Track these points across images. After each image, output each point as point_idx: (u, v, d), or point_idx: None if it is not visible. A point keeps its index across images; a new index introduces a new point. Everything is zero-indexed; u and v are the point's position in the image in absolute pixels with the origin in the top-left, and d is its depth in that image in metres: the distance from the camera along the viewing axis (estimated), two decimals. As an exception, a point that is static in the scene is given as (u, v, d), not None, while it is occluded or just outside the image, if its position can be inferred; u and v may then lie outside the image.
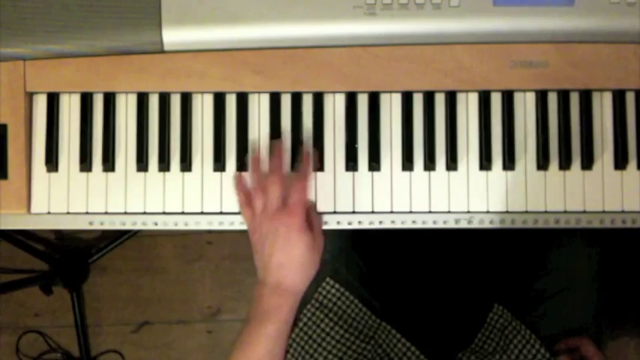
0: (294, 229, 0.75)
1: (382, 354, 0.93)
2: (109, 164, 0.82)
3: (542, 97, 0.82)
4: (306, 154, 0.81)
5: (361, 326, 0.94)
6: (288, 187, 0.77)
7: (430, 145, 0.82)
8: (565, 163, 0.81)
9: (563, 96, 0.82)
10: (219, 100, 0.83)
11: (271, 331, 0.74)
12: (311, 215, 0.79)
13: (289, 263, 0.76)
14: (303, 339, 0.94)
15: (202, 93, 0.83)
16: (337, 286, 0.95)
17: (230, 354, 0.74)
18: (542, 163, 0.81)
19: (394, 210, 0.82)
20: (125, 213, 0.83)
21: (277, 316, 0.75)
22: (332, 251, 0.95)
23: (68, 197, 0.83)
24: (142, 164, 0.82)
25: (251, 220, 0.79)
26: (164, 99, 0.83)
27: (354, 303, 0.95)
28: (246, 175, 0.82)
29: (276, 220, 0.76)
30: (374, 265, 0.98)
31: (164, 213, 0.82)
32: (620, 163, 0.81)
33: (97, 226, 0.83)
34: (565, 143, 0.81)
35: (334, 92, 0.83)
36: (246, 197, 0.80)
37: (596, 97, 0.82)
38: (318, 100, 0.82)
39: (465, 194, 0.81)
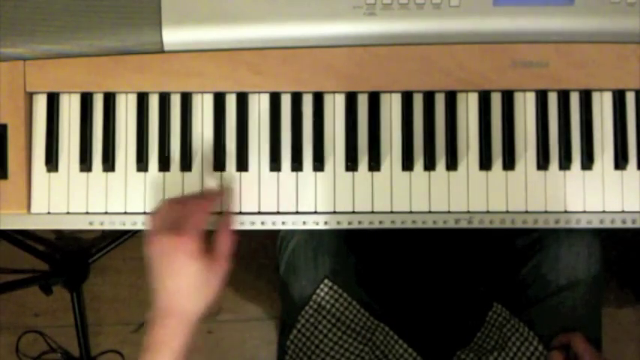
0: (183, 255, 0.71)
1: (380, 355, 0.93)
2: (108, 164, 0.82)
3: (542, 97, 0.82)
4: (221, 191, 0.81)
5: (359, 328, 0.94)
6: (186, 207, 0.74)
7: (430, 145, 0.82)
8: (565, 163, 0.81)
9: (563, 96, 0.82)
10: (219, 100, 0.83)
11: (167, 356, 0.71)
12: (219, 237, 0.76)
13: (177, 291, 0.72)
14: (300, 340, 0.94)
15: (202, 93, 0.83)
16: (335, 287, 0.95)
17: None
18: (542, 163, 0.81)
19: (394, 210, 0.82)
20: (125, 213, 0.83)
21: (168, 346, 0.71)
22: (330, 252, 0.95)
23: (68, 197, 0.83)
24: (141, 164, 0.82)
25: (148, 242, 0.74)
26: (164, 99, 0.83)
27: (352, 304, 0.95)
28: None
29: (168, 243, 0.71)
30: (372, 266, 0.98)
31: (164, 213, 0.82)
32: (620, 163, 0.81)
33: (97, 226, 0.83)
34: (565, 143, 0.81)
35: (334, 92, 0.83)
36: (160, 207, 0.76)
37: (596, 97, 0.82)
38: (318, 100, 0.82)
39: (464, 194, 0.81)
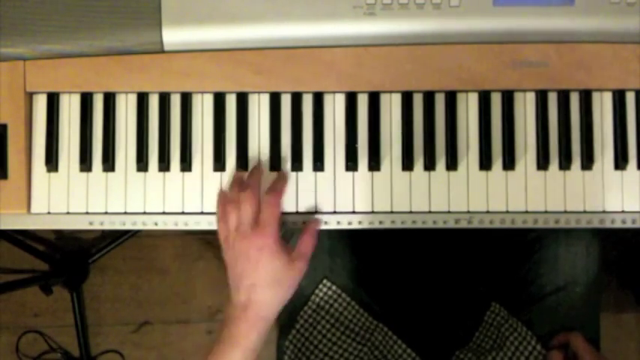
0: (266, 249, 0.73)
1: (379, 355, 0.93)
2: (108, 164, 0.82)
3: (542, 97, 0.82)
4: (282, 173, 0.80)
5: (358, 328, 0.94)
6: (262, 203, 0.75)
7: (430, 145, 0.82)
8: (565, 163, 0.81)
9: (563, 96, 0.82)
10: (219, 100, 0.83)
11: (236, 357, 0.72)
12: (303, 239, 0.77)
13: (260, 285, 0.73)
14: (300, 341, 0.94)
15: (202, 93, 0.83)
16: (334, 287, 0.95)
17: None
18: (542, 163, 0.81)
19: (394, 210, 0.82)
20: (125, 213, 0.83)
21: (244, 344, 0.73)
22: (330, 252, 0.95)
23: (68, 197, 0.83)
24: (142, 164, 0.82)
25: (225, 238, 0.76)
26: (164, 99, 0.83)
27: (351, 305, 0.95)
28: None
29: (247, 241, 0.73)
30: (371, 266, 0.98)
31: (164, 213, 0.82)
32: (620, 163, 0.81)
33: (97, 226, 0.83)
34: (565, 143, 0.81)
35: (334, 92, 0.83)
36: (223, 213, 0.77)
37: (596, 97, 0.82)
38: (318, 100, 0.82)
39: (464, 194, 0.81)
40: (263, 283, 0.73)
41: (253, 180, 0.78)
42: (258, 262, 0.73)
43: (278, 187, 0.78)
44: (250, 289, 0.73)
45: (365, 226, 0.82)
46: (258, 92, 0.83)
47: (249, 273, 0.73)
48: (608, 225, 0.81)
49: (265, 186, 0.80)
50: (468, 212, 0.81)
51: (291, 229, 0.82)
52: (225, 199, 0.77)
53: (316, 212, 0.82)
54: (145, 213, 0.83)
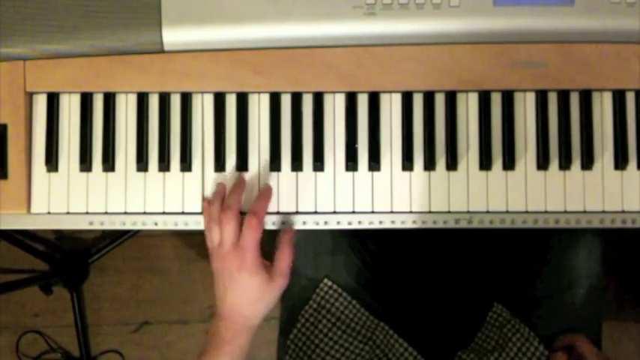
0: (245, 269, 0.76)
1: (380, 354, 0.93)
2: (108, 164, 0.82)
3: (542, 97, 0.82)
4: (263, 191, 0.81)
5: (359, 327, 0.94)
6: (243, 225, 0.77)
7: (430, 145, 0.82)
8: (565, 163, 0.81)
9: (563, 96, 0.82)
10: (219, 100, 0.83)
11: (229, 352, 0.77)
12: (280, 254, 0.79)
13: (241, 301, 0.78)
14: (301, 340, 0.94)
15: (202, 93, 0.83)
16: (335, 286, 0.95)
17: None
18: (542, 163, 0.81)
19: (394, 210, 0.82)
20: (125, 213, 0.83)
21: (230, 348, 0.77)
22: (331, 252, 0.95)
23: (68, 197, 0.83)
24: (142, 164, 0.82)
25: (210, 249, 0.79)
26: (164, 99, 0.83)
27: (352, 304, 0.95)
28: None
29: (228, 261, 0.77)
30: (372, 265, 0.98)
31: (164, 213, 0.82)
32: (620, 163, 0.81)
33: (97, 226, 0.83)
34: (565, 143, 0.81)
35: (334, 92, 0.83)
36: (208, 224, 0.80)
37: (596, 97, 0.82)
38: (318, 100, 0.82)
39: (465, 194, 0.81)
40: (243, 300, 0.78)
41: (234, 199, 0.79)
42: (238, 281, 0.77)
43: (260, 208, 0.79)
44: (232, 305, 0.78)
45: (365, 226, 0.82)
46: (258, 92, 0.83)
47: (230, 290, 0.77)
48: (608, 225, 0.81)
49: (254, 190, 0.81)
50: (468, 212, 0.81)
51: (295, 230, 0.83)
52: (208, 216, 0.80)
53: (316, 212, 0.82)
54: (145, 213, 0.83)
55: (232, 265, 0.76)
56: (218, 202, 0.79)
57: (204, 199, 0.82)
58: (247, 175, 0.82)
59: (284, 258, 0.80)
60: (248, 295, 0.77)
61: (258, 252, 0.77)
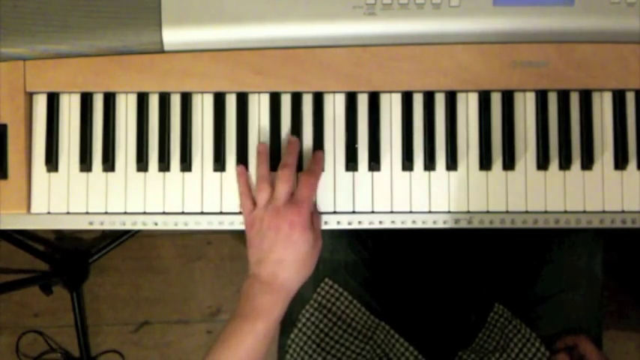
0: (299, 226, 0.74)
1: (381, 354, 0.93)
2: (108, 164, 0.82)
3: (542, 97, 0.82)
4: (318, 153, 0.81)
5: (360, 326, 0.94)
6: (299, 182, 0.77)
7: (430, 145, 0.82)
8: (565, 163, 0.81)
9: (563, 96, 0.82)
10: (219, 100, 0.83)
11: (260, 329, 0.73)
12: (313, 215, 0.79)
13: (288, 260, 0.75)
14: (302, 339, 0.94)
15: (202, 93, 0.83)
16: (336, 286, 0.95)
17: (213, 347, 0.72)
18: (542, 163, 0.81)
19: (394, 210, 0.82)
20: (125, 213, 0.83)
21: (268, 315, 0.73)
22: (331, 251, 0.95)
23: (68, 197, 0.83)
24: (142, 164, 0.82)
25: (250, 213, 0.78)
26: (164, 99, 0.83)
27: (353, 303, 0.95)
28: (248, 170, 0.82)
29: (280, 216, 0.75)
30: (373, 265, 0.98)
31: (164, 213, 0.82)
32: (620, 163, 0.81)
33: (97, 226, 0.83)
34: (565, 143, 0.81)
35: (334, 92, 0.83)
36: (246, 187, 0.80)
37: (596, 97, 0.82)
38: (318, 100, 0.82)
39: (465, 194, 0.81)
40: (291, 258, 0.75)
41: (291, 158, 0.79)
42: (288, 238, 0.74)
43: (315, 168, 0.79)
44: (277, 263, 0.75)
45: (365, 226, 0.82)
46: (258, 92, 0.83)
47: (278, 248, 0.75)
48: (608, 225, 0.81)
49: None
50: (468, 212, 0.81)
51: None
52: (249, 177, 0.80)
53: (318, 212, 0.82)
54: (145, 213, 0.83)
55: (285, 221, 0.74)
56: (266, 163, 0.79)
57: (238, 167, 0.81)
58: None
59: (317, 219, 0.79)
60: (297, 253, 0.75)
61: (311, 210, 0.76)
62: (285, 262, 0.75)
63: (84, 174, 0.83)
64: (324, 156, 0.82)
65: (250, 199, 0.79)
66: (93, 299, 1.57)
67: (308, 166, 0.81)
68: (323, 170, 0.82)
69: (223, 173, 0.83)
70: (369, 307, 0.95)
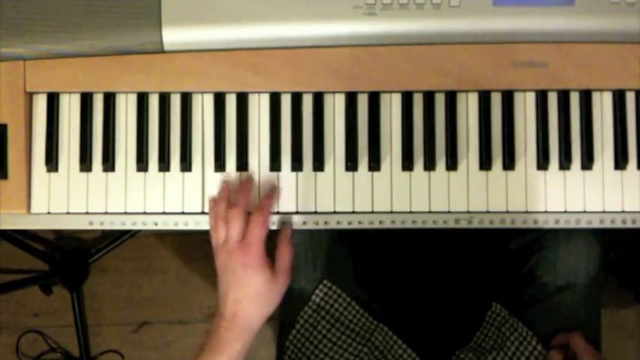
0: (250, 267, 0.76)
1: (379, 356, 0.93)
2: (109, 164, 0.82)
3: (542, 97, 0.82)
4: (271, 189, 0.82)
5: (358, 328, 0.94)
6: (249, 221, 0.77)
7: (430, 145, 0.82)
8: (565, 163, 0.81)
9: (563, 96, 0.82)
10: (219, 100, 0.83)
11: (227, 354, 0.76)
12: (281, 252, 0.80)
13: (245, 300, 0.77)
14: (300, 341, 0.94)
15: (202, 93, 0.83)
16: (334, 287, 0.94)
17: None
18: (542, 163, 0.81)
19: (394, 210, 0.82)
20: (125, 213, 0.83)
21: (230, 349, 0.76)
22: (330, 252, 0.95)
23: (68, 197, 0.83)
24: (142, 164, 0.82)
25: (215, 246, 0.79)
26: (164, 99, 0.83)
27: (351, 305, 0.95)
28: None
29: (233, 257, 0.76)
30: (371, 266, 0.98)
31: (164, 213, 0.82)
32: (620, 163, 0.81)
33: (97, 226, 0.83)
34: (565, 143, 0.81)
35: (334, 92, 0.83)
36: (214, 224, 0.80)
37: (596, 97, 0.82)
38: (318, 100, 0.82)
39: (464, 194, 0.81)
40: (247, 298, 0.77)
41: (242, 197, 0.79)
42: (242, 278, 0.76)
43: (266, 205, 0.80)
44: (235, 303, 0.77)
45: (365, 226, 0.82)
46: (258, 92, 0.83)
47: (235, 288, 0.77)
48: (608, 225, 0.81)
49: (254, 190, 0.81)
50: (468, 212, 0.81)
51: (294, 229, 0.83)
52: (214, 213, 0.80)
53: (316, 212, 0.82)
54: (145, 213, 0.83)
55: (238, 261, 0.76)
56: (224, 200, 0.79)
57: (210, 198, 0.82)
58: (247, 176, 0.82)
59: (285, 255, 0.80)
60: (252, 292, 0.77)
61: (264, 249, 0.77)
62: (242, 301, 0.77)
63: (84, 174, 0.83)
64: (278, 191, 0.82)
65: (216, 233, 0.79)
66: (93, 299, 1.57)
67: (259, 203, 0.81)
68: (322, 170, 0.82)
69: (223, 173, 0.83)
70: (367, 308, 0.95)
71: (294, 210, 0.82)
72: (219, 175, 0.83)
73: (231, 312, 0.77)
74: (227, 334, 0.77)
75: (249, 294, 0.77)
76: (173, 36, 0.80)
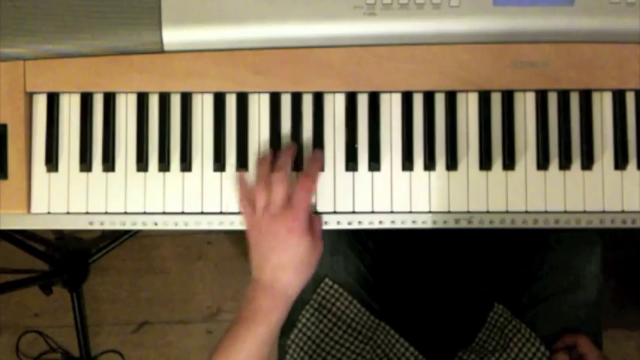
0: (296, 231, 0.74)
1: (381, 354, 0.93)
2: (109, 164, 0.82)
3: (542, 97, 0.82)
4: (315, 154, 0.81)
5: (360, 327, 0.94)
6: (292, 186, 0.76)
7: (430, 145, 0.82)
8: (565, 163, 0.81)
9: (563, 96, 0.82)
10: (219, 100, 0.83)
11: (261, 333, 0.73)
12: (312, 217, 0.79)
13: (287, 265, 0.75)
14: (302, 340, 0.94)
15: (202, 93, 0.83)
16: (336, 286, 0.95)
17: (215, 350, 0.73)
18: (542, 163, 0.81)
19: (394, 210, 0.82)
20: (125, 213, 0.83)
21: (269, 318, 0.74)
22: (331, 252, 0.95)
23: (68, 197, 0.83)
24: (142, 164, 0.82)
25: (250, 217, 0.78)
26: (164, 99, 0.83)
27: (353, 303, 0.95)
28: (248, 175, 0.82)
29: (278, 221, 0.74)
30: (373, 265, 0.98)
31: (164, 213, 0.82)
32: (620, 163, 0.81)
33: (97, 226, 0.83)
34: (565, 143, 0.81)
35: (334, 92, 0.83)
36: (245, 193, 0.79)
37: (596, 97, 0.82)
38: (318, 100, 0.82)
39: (464, 194, 0.81)
40: (289, 263, 0.75)
41: (285, 161, 0.78)
42: (286, 243, 0.74)
43: (312, 171, 0.79)
44: (276, 268, 0.75)
45: (365, 226, 0.82)
46: (258, 92, 0.83)
47: (277, 253, 0.75)
48: (608, 225, 0.81)
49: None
50: (468, 212, 0.81)
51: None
52: (248, 182, 0.79)
53: (316, 212, 0.82)
54: (145, 213, 0.83)
55: (282, 225, 0.74)
56: (267, 165, 0.78)
57: (237, 170, 0.81)
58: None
59: (317, 221, 0.79)
60: (296, 258, 0.75)
61: (309, 214, 0.76)
62: (284, 266, 0.75)
63: (84, 174, 0.83)
64: (324, 155, 0.82)
65: (250, 204, 0.78)
66: (93, 299, 1.57)
67: (306, 167, 0.80)
68: (322, 170, 0.82)
69: (223, 173, 0.83)
70: (369, 307, 0.95)
71: (294, 210, 0.82)
72: (219, 175, 0.83)
73: (271, 278, 0.74)
74: (265, 303, 0.74)
75: (291, 259, 0.75)
76: (173, 36, 0.80)
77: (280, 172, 0.76)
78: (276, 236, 0.74)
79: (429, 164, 0.81)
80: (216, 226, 0.82)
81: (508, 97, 0.82)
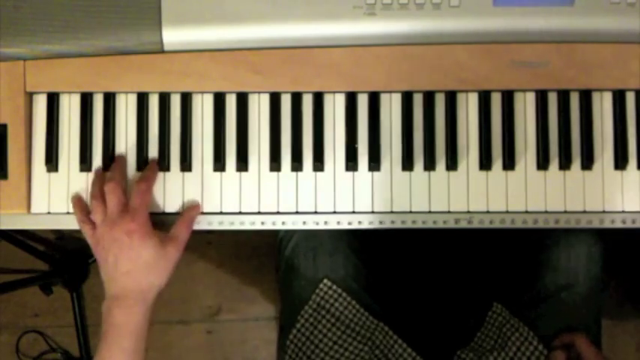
0: (136, 232, 0.74)
1: (380, 355, 0.93)
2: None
3: (542, 97, 0.82)
4: (152, 162, 0.81)
5: (359, 327, 0.94)
6: (128, 193, 0.77)
7: (430, 145, 0.82)
8: (565, 163, 0.81)
9: (563, 96, 0.82)
10: (219, 100, 0.83)
11: (127, 345, 0.74)
12: (180, 223, 0.79)
13: (133, 269, 0.75)
14: (300, 340, 0.94)
15: (202, 93, 0.83)
16: (335, 287, 0.95)
17: None
18: (542, 163, 0.81)
19: (394, 210, 0.82)
20: (125, 213, 0.82)
21: (129, 329, 0.74)
22: (330, 252, 0.95)
23: (68, 197, 0.82)
24: (142, 164, 0.82)
25: (92, 235, 0.78)
26: (164, 99, 0.83)
27: (352, 304, 0.95)
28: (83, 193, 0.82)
29: (117, 226, 0.75)
30: (372, 266, 0.98)
31: (164, 213, 0.82)
32: (620, 163, 0.81)
33: (97, 226, 0.82)
34: (565, 143, 0.81)
35: (334, 92, 0.83)
36: (83, 214, 0.79)
37: (596, 97, 0.82)
38: (318, 100, 0.82)
39: (464, 194, 0.81)
40: (135, 266, 0.75)
41: (115, 172, 0.79)
42: (130, 247, 0.74)
43: (147, 174, 0.80)
44: (125, 275, 0.75)
45: (365, 226, 0.82)
46: (258, 92, 0.83)
47: (122, 259, 0.75)
48: (608, 225, 0.81)
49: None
50: (468, 212, 0.81)
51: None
52: (79, 207, 0.79)
53: (316, 212, 0.82)
54: (144, 213, 0.82)
55: (121, 229, 0.74)
56: (97, 183, 0.79)
57: (74, 195, 0.81)
58: (247, 176, 0.82)
59: (181, 227, 0.79)
60: (140, 261, 0.75)
61: (148, 216, 0.76)
62: (132, 271, 0.75)
63: (84, 174, 0.83)
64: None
65: (88, 223, 0.78)
66: (93, 299, 1.56)
67: (140, 175, 0.80)
68: (322, 170, 0.82)
69: (223, 173, 0.83)
70: (367, 307, 0.95)
71: (294, 210, 0.82)
72: (218, 175, 0.83)
73: (122, 285, 0.75)
74: (121, 315, 0.74)
75: (138, 263, 0.75)
76: (173, 36, 0.80)
77: (110, 183, 0.77)
78: (119, 243, 0.74)
79: (429, 164, 0.81)
80: (216, 226, 0.82)
81: (508, 97, 0.82)
